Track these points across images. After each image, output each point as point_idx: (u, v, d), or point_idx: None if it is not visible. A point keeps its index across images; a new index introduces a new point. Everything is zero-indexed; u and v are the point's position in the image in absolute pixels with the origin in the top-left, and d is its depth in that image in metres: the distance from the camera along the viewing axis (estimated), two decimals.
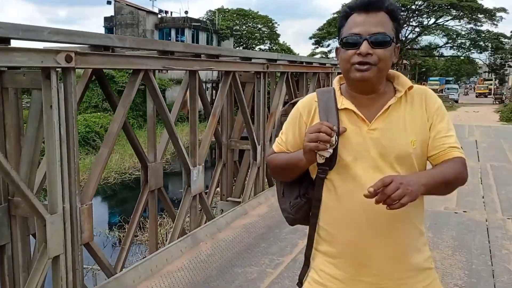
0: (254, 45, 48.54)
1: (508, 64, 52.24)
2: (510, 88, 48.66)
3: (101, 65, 3.57)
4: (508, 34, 53.90)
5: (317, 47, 50.19)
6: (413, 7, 44.88)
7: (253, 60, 6.05)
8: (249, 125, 6.06)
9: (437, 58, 58.25)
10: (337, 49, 1.59)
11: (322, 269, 1.58)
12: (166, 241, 7.36)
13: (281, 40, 49.41)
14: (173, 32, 38.91)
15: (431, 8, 44.20)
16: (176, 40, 38.38)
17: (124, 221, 9.87)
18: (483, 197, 6.18)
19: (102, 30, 39.49)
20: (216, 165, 6.49)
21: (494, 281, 3.67)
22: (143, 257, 5.30)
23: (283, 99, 7.25)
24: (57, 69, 3.07)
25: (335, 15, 46.73)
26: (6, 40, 2.80)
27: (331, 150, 1.45)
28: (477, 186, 6.79)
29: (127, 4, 38.83)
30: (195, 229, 4.61)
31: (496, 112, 30.38)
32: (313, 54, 48.46)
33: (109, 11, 39.50)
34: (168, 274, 3.69)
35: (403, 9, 44.26)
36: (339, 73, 1.67)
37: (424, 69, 60.03)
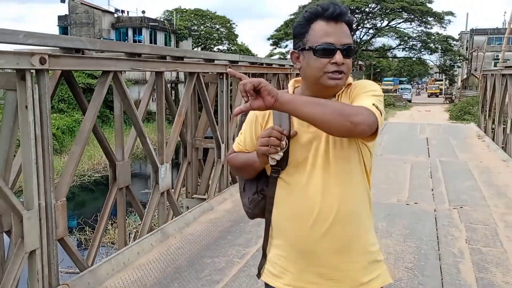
0: (212, 46, 48.48)
1: (457, 65, 54.72)
2: (459, 88, 51.04)
3: (73, 67, 3.70)
4: (456, 37, 56.43)
5: (275, 48, 50.72)
6: (367, 9, 46.21)
7: (216, 62, 6.26)
8: (213, 124, 6.27)
9: (390, 59, 60.14)
10: (293, 53, 1.65)
11: (276, 262, 1.68)
12: (133, 238, 7.46)
13: (239, 40, 49.63)
14: (130, 32, 38.36)
15: (384, 11, 45.63)
16: (134, 40, 37.87)
17: (85, 223, 9.84)
18: (432, 190, 6.65)
19: (56, 29, 38.40)
20: (181, 164, 6.67)
21: (440, 263, 4.06)
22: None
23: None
24: (32, 71, 3.19)
25: (292, 17, 47.48)
26: None
27: (281, 154, 1.57)
28: (427, 180, 7.29)
29: (81, 3, 37.95)
30: (163, 224, 4.78)
31: (447, 111, 31.87)
32: (271, 55, 48.94)
33: (63, 9, 38.35)
34: (140, 266, 3.87)
35: (357, 11, 45.58)
36: (297, 74, 1.75)
37: (378, 70, 61.81)
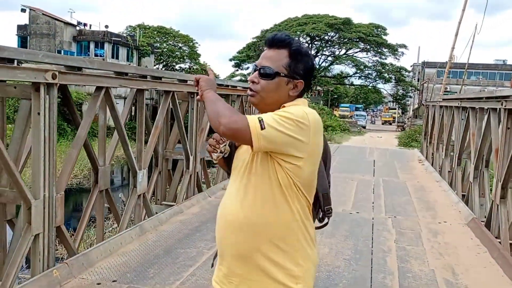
0: (174, 64, 48.94)
1: (409, 95, 57.70)
2: (409, 117, 53.82)
3: (75, 82, 4.42)
4: (409, 68, 59.58)
5: (237, 70, 51.68)
6: (326, 37, 48.24)
7: (188, 82, 7.06)
8: (183, 137, 7.03)
9: (347, 86, 62.46)
10: None
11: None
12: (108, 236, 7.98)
13: (201, 59, 50.22)
14: (92, 45, 38.41)
15: (342, 40, 47.71)
16: (95, 54, 37.95)
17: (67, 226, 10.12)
18: (373, 203, 7.65)
19: (14, 39, 37.88)
20: (152, 173, 7.34)
21: (372, 256, 4.97)
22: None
23: None
24: (45, 84, 3.89)
25: (255, 40, 48.92)
26: (11, 61, 3.59)
27: (217, 155, 1.84)
28: (370, 195, 8.30)
29: (43, 14, 37.79)
30: (140, 222, 5.46)
31: (397, 138, 33.79)
32: (233, 76, 49.84)
33: (23, 18, 37.89)
34: (124, 253, 4.55)
35: (317, 38, 47.55)
36: None
37: (336, 96, 63.99)
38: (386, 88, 56.24)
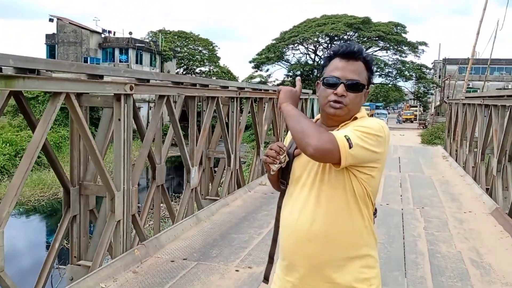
0: (194, 67, 49.85)
1: (430, 93, 57.41)
2: (432, 114, 53.65)
3: (145, 92, 5.15)
4: (430, 65, 59.23)
5: (256, 71, 51.98)
6: (346, 37, 48.35)
7: (229, 88, 7.75)
8: (225, 138, 7.72)
9: None
10: (317, 83, 1.85)
11: (278, 271, 1.86)
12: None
13: (221, 62, 50.72)
14: (117, 52, 39.64)
15: (362, 39, 47.76)
16: (120, 60, 39.14)
17: None
18: (401, 196, 8.23)
19: (43, 47, 39.30)
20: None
21: (404, 240, 5.57)
22: None
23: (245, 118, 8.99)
24: (124, 95, 4.61)
25: (274, 42, 49.42)
26: (101, 77, 4.32)
27: (277, 166, 1.78)
28: (397, 189, 8.87)
29: (70, 23, 39.17)
30: (195, 213, 6.18)
31: (419, 135, 34.00)
32: (251, 77, 50.24)
33: (51, 27, 39.24)
34: (186, 238, 5.27)
35: (336, 38, 47.85)
36: None
37: None
38: (407, 86, 56.06)
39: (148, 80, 5.13)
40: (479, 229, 6.06)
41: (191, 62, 49.17)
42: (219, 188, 8.24)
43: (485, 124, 8.95)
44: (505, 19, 50.35)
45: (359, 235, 1.74)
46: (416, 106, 61.06)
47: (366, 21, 46.58)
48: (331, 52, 1.82)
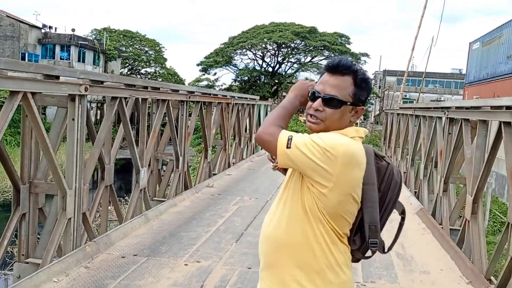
0: (140, 68, 49.11)
1: (370, 102, 59.98)
2: (371, 123, 56.10)
3: (101, 93, 5.30)
4: (371, 76, 61.86)
5: (204, 74, 51.89)
6: (293, 45, 49.54)
7: (180, 92, 7.99)
8: (175, 140, 7.94)
9: None
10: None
11: None
12: None
13: (168, 64, 50.23)
14: (57, 48, 38.33)
15: (308, 47, 49.21)
16: (61, 57, 37.89)
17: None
18: None
19: None
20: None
21: None
22: None
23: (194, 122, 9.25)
24: (79, 95, 4.76)
25: (222, 46, 49.70)
26: (57, 77, 4.45)
27: (274, 164, 1.99)
28: None
29: (7, 15, 37.49)
30: (144, 212, 6.36)
31: None
32: (198, 80, 50.08)
33: None
34: (136, 236, 5.46)
35: (283, 46, 48.89)
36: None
37: None
38: None
39: (102, 82, 5.30)
40: (405, 226, 6.55)
41: (137, 63, 48.39)
42: (166, 190, 8.43)
43: (415, 133, 9.74)
44: (438, 36, 53.65)
45: (309, 249, 1.72)
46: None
47: (313, 30, 47.92)
48: (323, 66, 1.85)
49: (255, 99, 15.23)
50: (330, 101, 1.73)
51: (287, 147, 1.65)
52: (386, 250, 1.86)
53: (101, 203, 6.49)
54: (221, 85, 50.08)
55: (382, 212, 1.83)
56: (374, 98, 57.93)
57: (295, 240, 1.73)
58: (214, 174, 10.39)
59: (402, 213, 1.95)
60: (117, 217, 7.08)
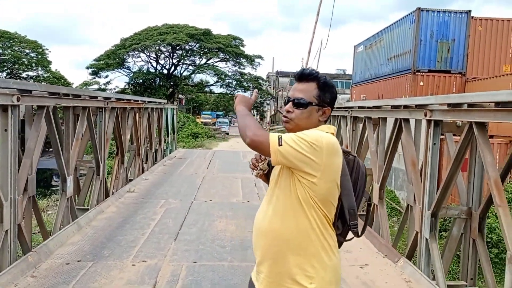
0: (21, 71, 45.67)
1: (266, 103, 62.15)
2: (268, 122, 58.21)
3: (28, 103, 5.22)
4: (265, 78, 64.07)
5: (94, 78, 49.66)
6: (187, 47, 49.45)
7: (98, 98, 7.95)
8: (95, 147, 7.88)
9: (208, 94, 64.60)
10: None
11: None
12: None
13: (53, 67, 47.28)
14: None
15: (203, 49, 49.44)
16: None
17: None
18: (257, 193, 9.36)
19: None
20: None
21: None
22: None
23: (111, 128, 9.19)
24: (11, 106, 4.68)
25: (114, 48, 48.09)
26: None
27: (257, 171, 2.16)
28: (254, 188, 10.02)
29: None
30: (74, 220, 6.31)
31: None
32: (86, 84, 47.76)
33: None
34: (73, 243, 5.47)
35: (177, 48, 48.62)
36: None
37: (197, 104, 65.62)
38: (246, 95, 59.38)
39: (31, 91, 5.23)
40: None
41: (17, 66, 44.85)
42: (87, 197, 8.30)
43: None
44: (328, 40, 57.31)
45: (305, 236, 1.92)
46: (254, 115, 65.30)
47: (207, 33, 48.32)
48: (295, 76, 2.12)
49: (161, 102, 15.32)
50: (297, 103, 2.02)
51: (279, 145, 1.85)
52: (360, 234, 2.12)
53: (25, 215, 6.31)
54: (114, 88, 48.41)
55: (355, 199, 2.07)
56: (269, 98, 60.03)
57: (292, 229, 1.93)
58: (131, 180, 10.38)
59: (369, 200, 2.34)
60: (40, 228, 6.88)
